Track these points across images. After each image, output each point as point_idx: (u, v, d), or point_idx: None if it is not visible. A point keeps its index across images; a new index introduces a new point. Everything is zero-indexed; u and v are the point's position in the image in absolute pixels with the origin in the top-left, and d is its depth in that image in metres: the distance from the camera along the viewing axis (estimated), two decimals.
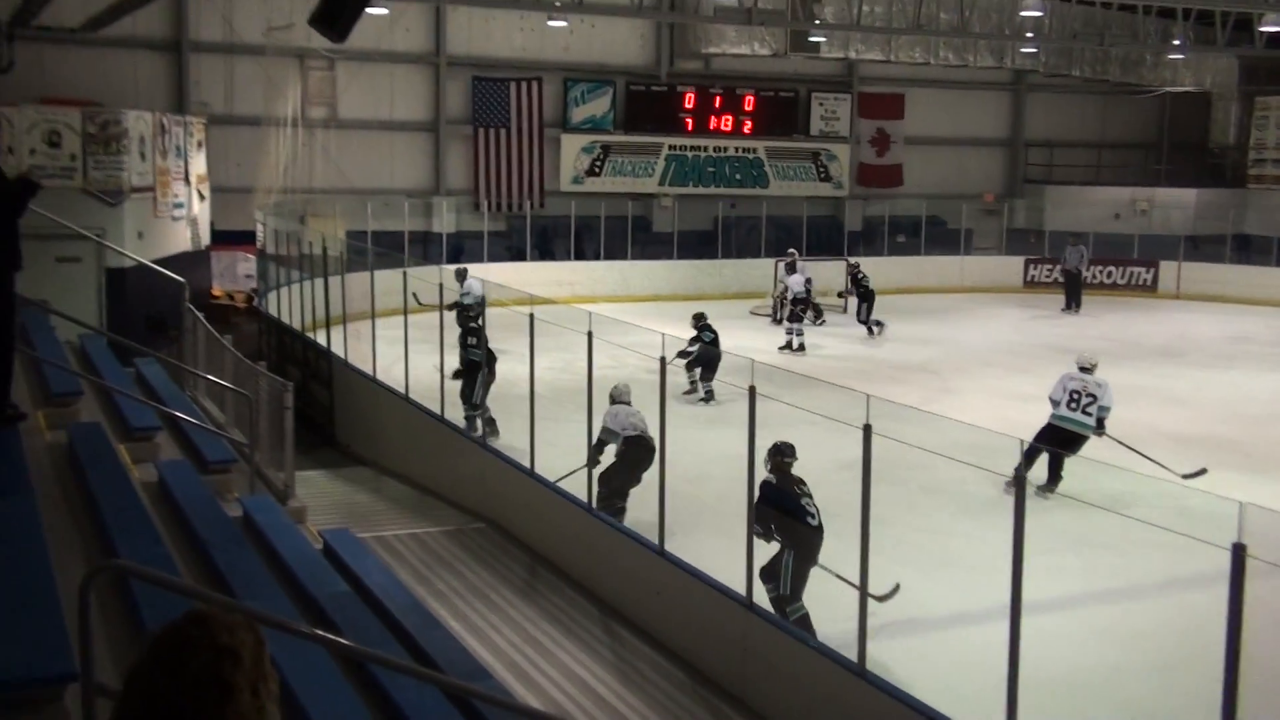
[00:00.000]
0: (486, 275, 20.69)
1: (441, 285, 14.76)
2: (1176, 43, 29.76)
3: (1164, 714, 8.43)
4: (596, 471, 11.62)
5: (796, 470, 9.69)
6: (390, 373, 16.04)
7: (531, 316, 12.46)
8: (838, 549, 9.48)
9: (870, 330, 23.82)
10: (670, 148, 30.90)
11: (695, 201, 31.22)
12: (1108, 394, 13.38)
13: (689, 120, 30.97)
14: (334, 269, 18.37)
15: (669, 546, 10.14)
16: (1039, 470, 12.34)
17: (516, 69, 29.16)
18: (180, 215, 21.52)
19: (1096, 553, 10.85)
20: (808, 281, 23.31)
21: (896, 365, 21.05)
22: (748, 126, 31.52)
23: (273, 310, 21.25)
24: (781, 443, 9.60)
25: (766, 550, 9.47)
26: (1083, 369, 13.69)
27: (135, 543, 6.65)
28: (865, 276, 24.68)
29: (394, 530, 12.75)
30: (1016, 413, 17.06)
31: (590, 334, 11.36)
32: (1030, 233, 33.89)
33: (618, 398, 12.37)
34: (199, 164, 23.34)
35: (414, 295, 15.63)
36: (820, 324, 24.80)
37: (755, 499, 9.29)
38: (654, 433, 10.84)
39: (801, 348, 21.94)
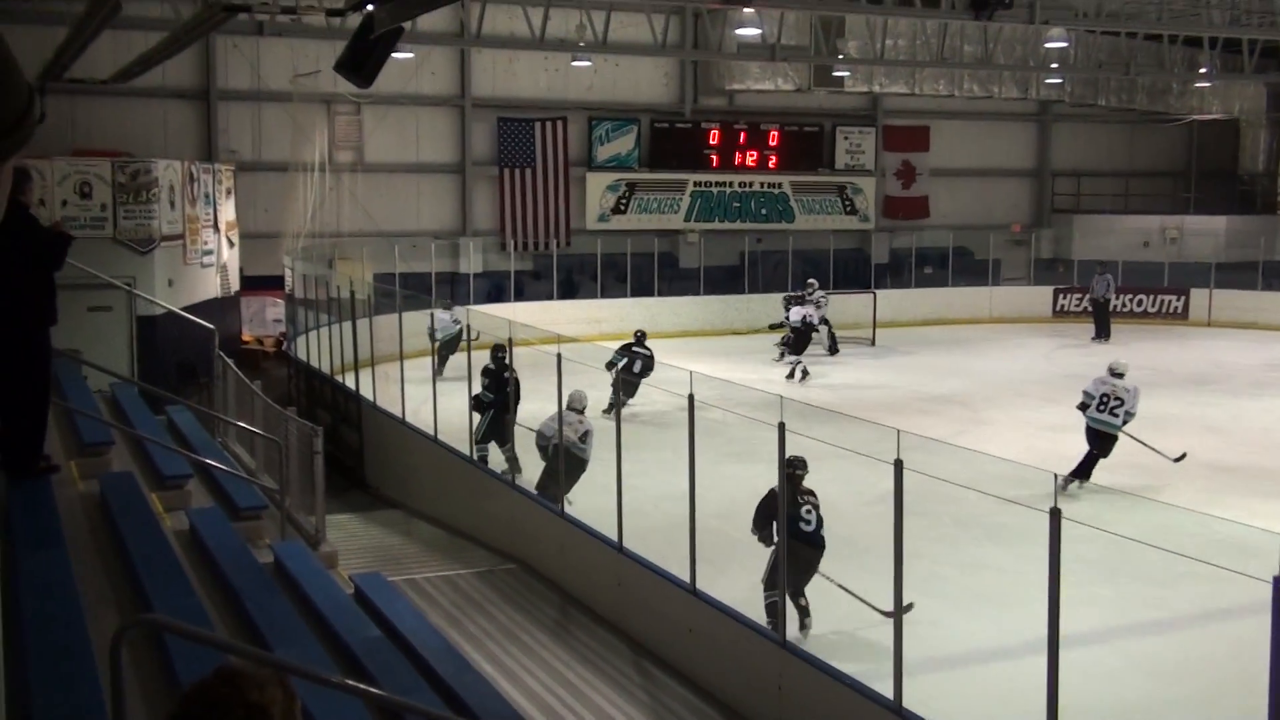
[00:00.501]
0: (514, 315, 20.76)
1: (468, 325, 14.78)
2: (1204, 71, 29.69)
3: None
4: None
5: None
6: (419, 414, 16.07)
7: (559, 356, 12.47)
8: (872, 584, 9.42)
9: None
10: (695, 184, 30.96)
11: (721, 237, 31.26)
12: (1134, 400, 14.49)
13: (714, 156, 31.04)
14: (362, 312, 18.46)
15: (700, 584, 10.08)
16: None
17: (541, 109, 29.34)
18: (210, 262, 21.70)
19: (1133, 584, 10.74)
20: (806, 316, 23.24)
21: (927, 397, 20.95)
22: (773, 161, 31.56)
23: (302, 354, 21.35)
24: (794, 456, 9.81)
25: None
26: (1115, 374, 14.67)
27: (168, 593, 6.65)
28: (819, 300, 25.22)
29: (425, 573, 12.74)
30: (1048, 443, 16.99)
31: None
32: (1059, 262, 33.75)
33: (570, 404, 12.95)
34: (228, 211, 23.58)
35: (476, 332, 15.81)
36: (834, 355, 24.96)
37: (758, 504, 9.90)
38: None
39: (805, 374, 22.21)
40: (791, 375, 22.36)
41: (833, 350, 25.27)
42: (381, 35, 12.34)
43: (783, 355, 23.23)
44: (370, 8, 12.01)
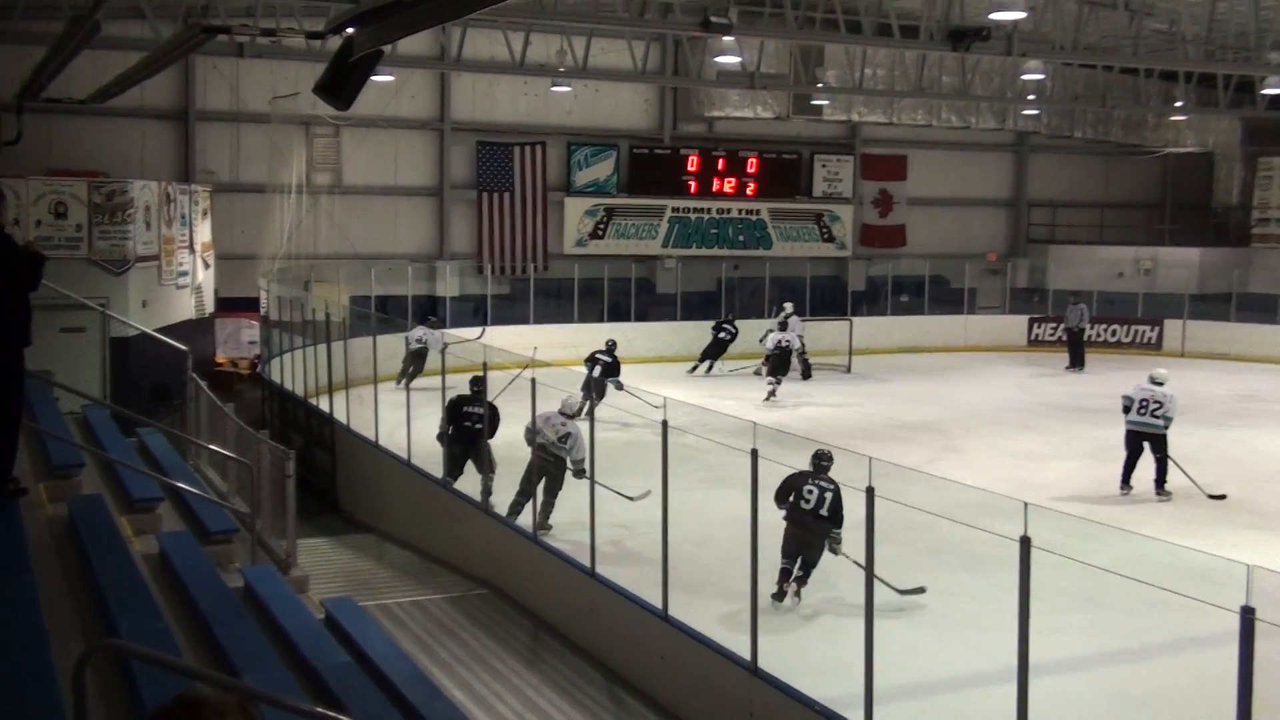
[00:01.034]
0: (490, 338, 20.76)
1: (444, 350, 14.75)
2: (1179, 104, 29.96)
3: None
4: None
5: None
6: (393, 438, 16.02)
7: (534, 381, 12.46)
8: (842, 610, 9.42)
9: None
10: (673, 210, 31.05)
11: (699, 263, 31.33)
12: (1173, 405, 15.73)
13: (692, 182, 31.15)
14: (337, 334, 18.41)
15: (673, 610, 10.07)
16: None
17: (520, 133, 29.39)
18: (185, 284, 21.62)
19: (1104, 613, 10.76)
20: (781, 340, 23.49)
21: (901, 424, 21.00)
22: (751, 188, 31.68)
23: (276, 377, 21.28)
24: (822, 449, 11.39)
25: (774, 614, 9.40)
26: (1155, 382, 15.93)
27: (135, 617, 6.59)
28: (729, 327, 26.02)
29: (397, 598, 12.68)
30: (1023, 471, 17.08)
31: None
32: (1034, 292, 33.94)
33: (561, 408, 13.43)
34: (204, 232, 23.51)
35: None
36: (806, 379, 25.22)
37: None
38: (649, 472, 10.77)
39: (771, 395, 22.59)
40: (770, 397, 22.66)
41: (805, 375, 25.38)
42: (361, 58, 12.34)
43: (772, 392, 23.09)
44: (350, 31, 12.01)
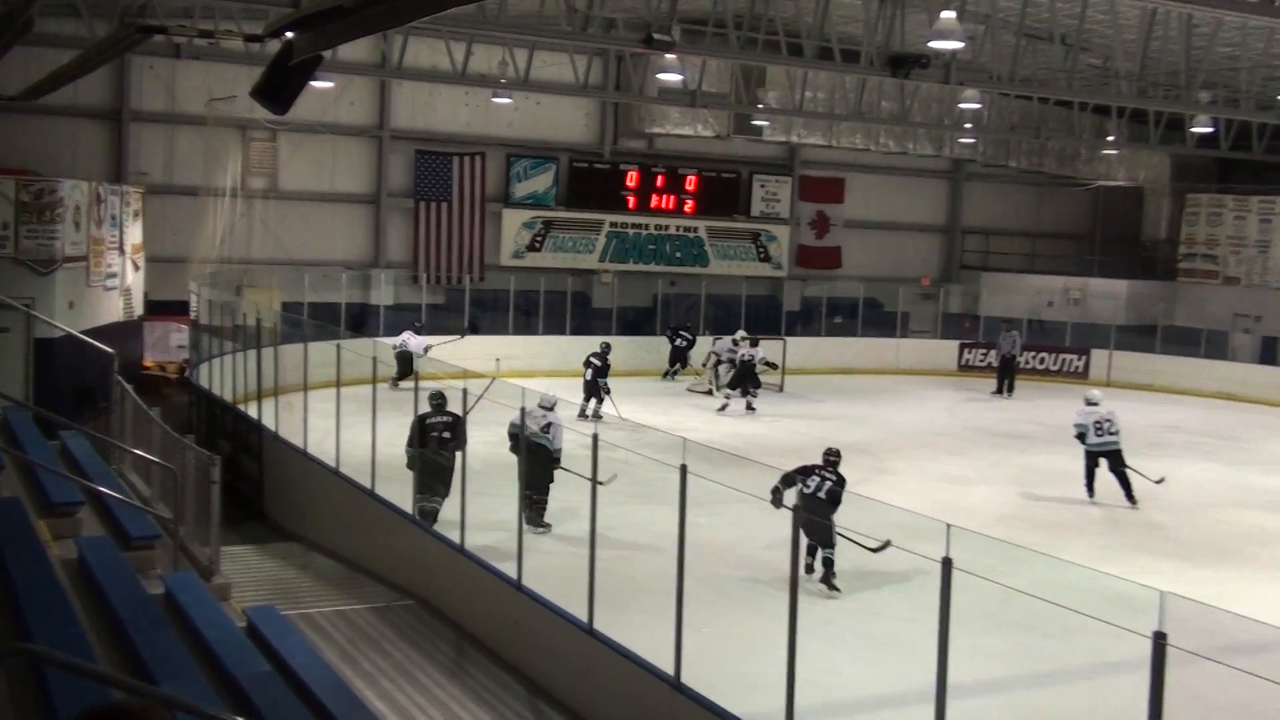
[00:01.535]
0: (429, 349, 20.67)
1: (375, 359, 14.65)
2: (1111, 139, 30.50)
3: None
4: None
5: (736, 543, 9.66)
6: (321, 446, 15.88)
7: (465, 392, 12.42)
8: (766, 627, 9.45)
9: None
10: (612, 225, 31.11)
11: (635, 279, 31.38)
12: (1119, 418, 17.24)
13: (631, 198, 31.22)
14: (268, 340, 18.23)
15: (599, 625, 10.06)
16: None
17: (460, 144, 29.31)
18: (113, 285, 21.31)
19: (1024, 636, 10.89)
20: (742, 355, 24.32)
21: (832, 444, 21.09)
22: (689, 206, 31.82)
23: (204, 382, 21.02)
24: (833, 447, 13.00)
25: (699, 629, 9.44)
26: (1091, 403, 17.35)
27: (51, 623, 6.49)
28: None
29: (321, 607, 12.56)
30: (949, 494, 17.28)
31: (523, 410, 11.35)
32: (965, 317, 34.36)
33: (539, 402, 14.04)
34: (135, 234, 23.19)
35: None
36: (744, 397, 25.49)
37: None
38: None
39: (724, 403, 23.40)
40: (727, 408, 23.74)
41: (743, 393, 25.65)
42: (300, 63, 12.23)
43: (748, 404, 24.06)
44: (289, 35, 11.91)
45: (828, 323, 32.65)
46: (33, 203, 18.03)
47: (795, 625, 8.12)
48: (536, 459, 13.65)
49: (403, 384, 20.59)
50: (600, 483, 11.46)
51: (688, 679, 9.02)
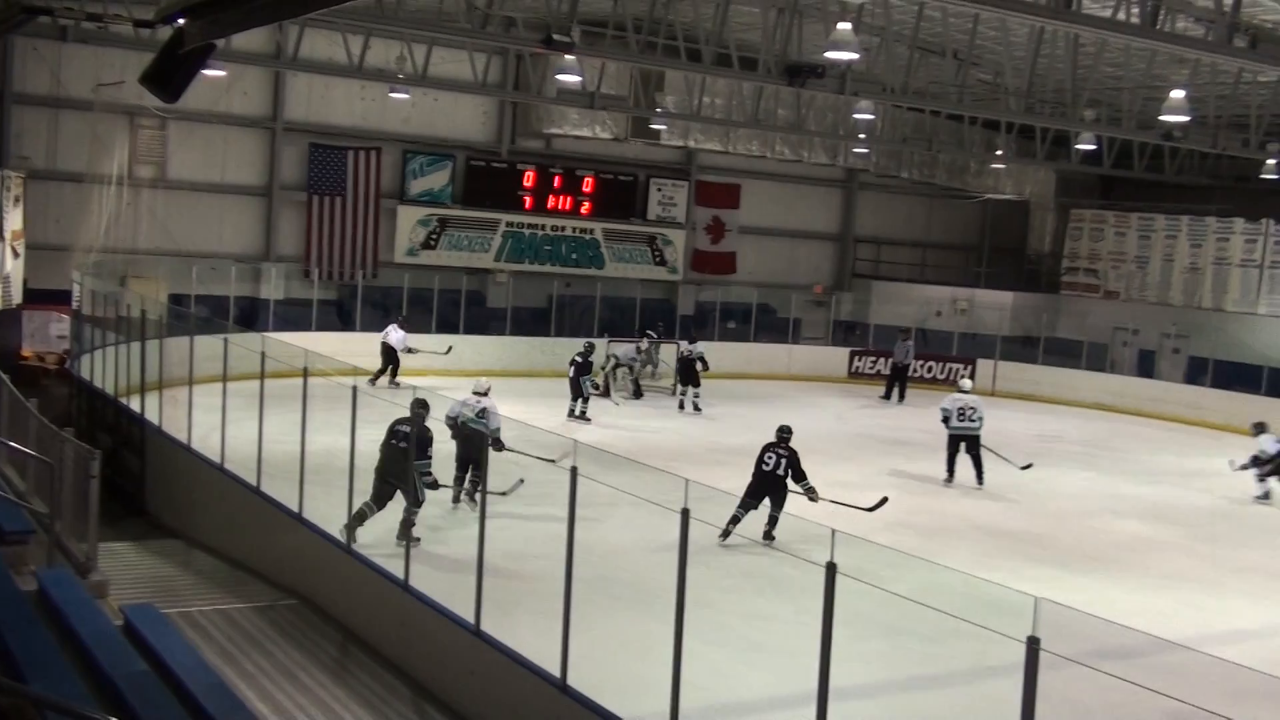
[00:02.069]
0: (314, 345, 20.38)
1: (263, 355, 14.41)
2: (999, 153, 31.17)
3: None
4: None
5: (625, 546, 9.66)
6: (206, 441, 15.60)
7: (355, 389, 12.29)
8: (654, 631, 9.49)
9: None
10: (508, 224, 30.99)
11: (531, 279, 31.31)
12: (983, 409, 19.15)
13: (528, 198, 31.13)
14: (153, 333, 17.84)
15: (485, 626, 10.01)
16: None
17: (355, 138, 28.98)
18: None
19: (905, 640, 11.08)
20: (684, 351, 25.62)
21: (721, 448, 21.28)
22: (586, 207, 31.83)
23: (85, 374, 20.51)
24: (785, 425, 15.27)
25: (586, 632, 9.45)
26: (963, 391, 19.57)
27: None
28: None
29: (201, 606, 12.34)
30: (836, 498, 17.46)
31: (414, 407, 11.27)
32: (856, 325, 34.86)
33: (474, 389, 15.38)
34: (15, 220, 22.55)
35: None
36: (639, 398, 26.16)
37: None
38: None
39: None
40: (683, 407, 25.08)
41: (636, 395, 25.85)
42: (192, 50, 12.01)
43: (694, 403, 25.20)
44: (181, 22, 11.68)
45: (721, 327, 32.89)
46: None
47: (681, 628, 8.16)
48: (473, 443, 14.39)
49: (379, 382, 22.40)
50: (502, 493, 11.42)
51: (574, 681, 9.03)
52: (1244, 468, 19.81)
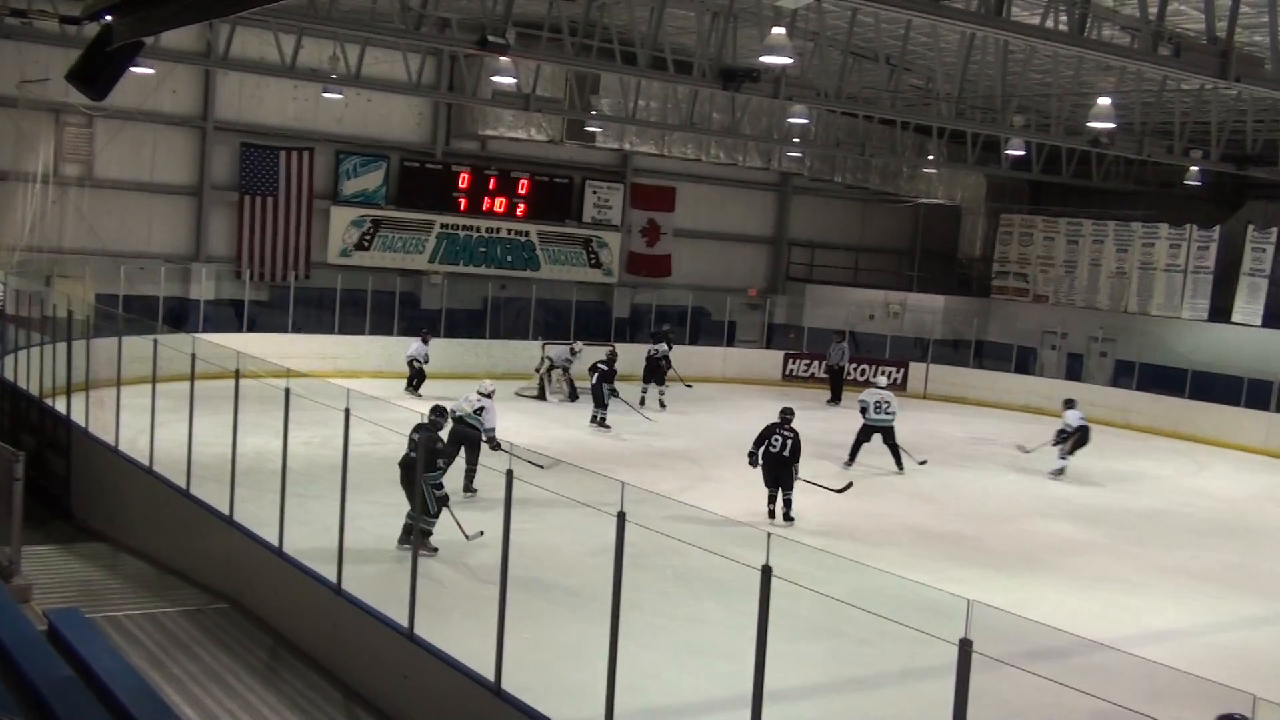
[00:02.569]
0: (246, 346, 20.14)
1: (194, 356, 14.21)
2: (931, 158, 31.49)
3: None
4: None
5: (560, 549, 9.63)
6: (135, 444, 15.36)
7: (287, 391, 12.16)
8: (590, 634, 9.48)
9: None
10: (442, 226, 30.82)
11: (465, 281, 31.15)
12: (896, 403, 21.02)
13: (462, 200, 30.98)
14: (79, 333, 17.55)
15: (419, 630, 9.95)
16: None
17: (288, 138, 28.69)
18: None
19: (839, 642, 11.16)
20: (651, 351, 26.09)
21: (656, 452, 21.34)
22: (521, 209, 31.73)
23: (9, 374, 20.11)
24: (788, 406, 17.04)
25: (521, 635, 9.42)
26: (880, 387, 21.47)
27: None
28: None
29: (128, 610, 12.16)
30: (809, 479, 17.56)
31: (347, 410, 11.16)
32: (790, 328, 35.06)
33: (478, 388, 16.74)
34: None
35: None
36: (573, 400, 26.05)
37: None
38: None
39: (601, 422, 23.52)
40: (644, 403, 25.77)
41: (572, 397, 25.84)
42: (120, 48, 11.82)
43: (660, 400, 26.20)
44: (109, 18, 11.49)
45: (657, 330, 32.92)
46: None
47: (617, 631, 8.16)
48: (465, 438, 15.64)
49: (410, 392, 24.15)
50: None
51: (508, 685, 8.99)
52: (1055, 444, 21.69)
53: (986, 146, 29.54)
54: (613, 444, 21.56)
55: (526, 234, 32.01)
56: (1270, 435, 26.52)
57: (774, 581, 7.07)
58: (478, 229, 31.31)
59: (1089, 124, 21.05)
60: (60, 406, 17.40)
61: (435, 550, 12.99)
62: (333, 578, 11.09)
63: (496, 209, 31.40)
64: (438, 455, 13.44)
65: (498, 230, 31.59)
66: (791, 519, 16.14)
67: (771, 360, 32.90)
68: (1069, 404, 22.24)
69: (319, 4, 18.12)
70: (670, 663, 10.64)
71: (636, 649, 9.26)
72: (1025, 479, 21.44)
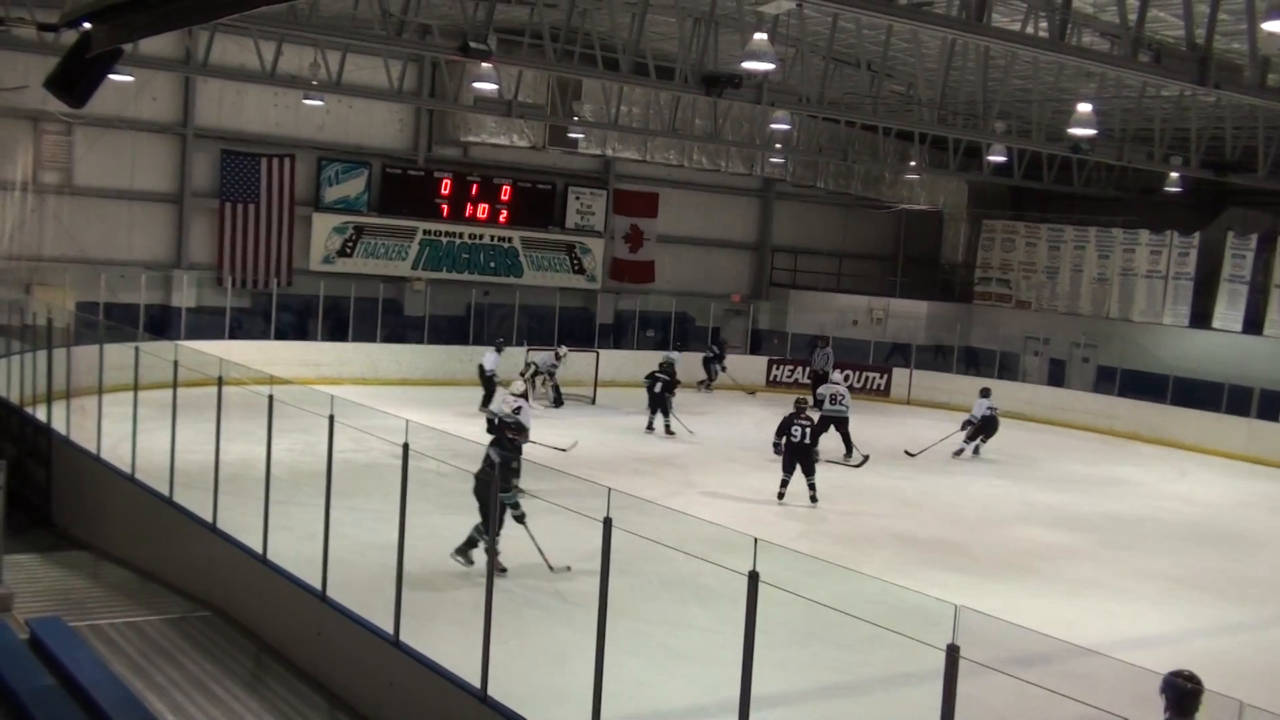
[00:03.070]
0: (229, 354, 20.08)
1: (176, 363, 14.15)
2: (913, 164, 31.58)
3: None
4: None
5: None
6: (116, 451, 15.28)
7: (271, 398, 12.12)
8: (575, 640, 9.48)
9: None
10: (425, 232, 30.77)
11: (448, 287, 31.12)
12: (849, 397, 22.47)
13: (445, 206, 30.94)
14: (60, 341, 17.46)
15: (405, 636, 9.91)
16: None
17: (269, 144, 28.60)
18: None
19: (824, 647, 11.16)
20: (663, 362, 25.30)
21: (642, 458, 21.33)
22: (504, 216, 31.71)
23: None
24: (800, 397, 19.30)
25: (507, 642, 9.39)
26: (834, 382, 23.28)
27: None
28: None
29: (111, 618, 12.08)
30: (755, 509, 17.61)
31: (331, 417, 11.12)
32: (774, 334, 35.11)
33: (510, 390, 18.34)
34: None
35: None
36: (559, 407, 26.02)
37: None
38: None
39: (666, 429, 24.10)
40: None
41: (557, 403, 25.87)
42: (99, 55, 11.78)
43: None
44: (87, 26, 11.45)
45: (640, 336, 32.97)
46: None
47: (604, 637, 8.14)
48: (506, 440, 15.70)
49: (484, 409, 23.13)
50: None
51: (494, 691, 8.96)
52: (965, 433, 23.42)
53: (968, 152, 29.64)
54: (598, 450, 21.51)
55: (509, 240, 31.99)
56: (1251, 441, 26.63)
57: (761, 587, 7.06)
58: (460, 235, 31.27)
59: (1069, 130, 21.12)
60: (41, 415, 17.31)
61: (504, 570, 12.47)
62: (317, 584, 11.04)
63: (479, 215, 31.37)
64: (512, 473, 13.18)
65: (481, 237, 31.56)
66: (816, 500, 17.70)
67: (755, 366, 32.92)
68: (984, 393, 24.00)
69: (299, 11, 18.08)
70: (657, 669, 10.62)
71: (622, 655, 9.24)
72: (1007, 485, 21.50)
